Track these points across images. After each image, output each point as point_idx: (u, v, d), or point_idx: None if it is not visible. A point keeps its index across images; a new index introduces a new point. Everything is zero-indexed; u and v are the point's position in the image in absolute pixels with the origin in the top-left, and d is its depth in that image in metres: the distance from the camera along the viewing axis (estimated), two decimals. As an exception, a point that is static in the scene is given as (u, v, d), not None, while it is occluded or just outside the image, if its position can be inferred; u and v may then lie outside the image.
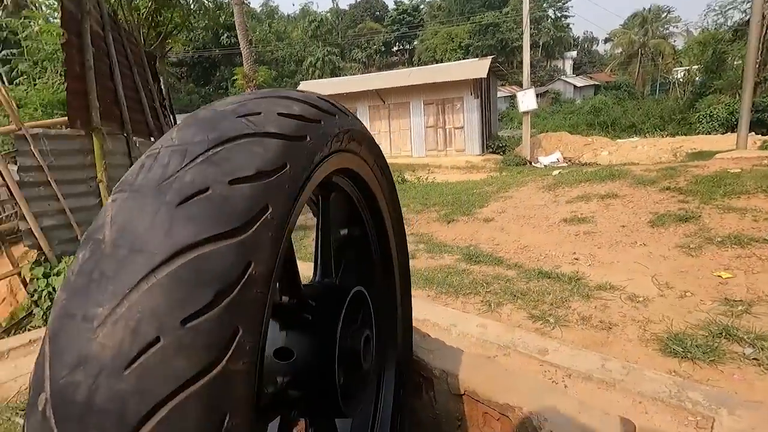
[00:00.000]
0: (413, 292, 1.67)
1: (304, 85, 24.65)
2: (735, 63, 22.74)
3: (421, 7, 54.14)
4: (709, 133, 19.20)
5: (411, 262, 1.75)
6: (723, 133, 18.56)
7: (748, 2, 19.50)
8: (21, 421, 2.01)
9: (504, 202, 6.85)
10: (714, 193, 5.37)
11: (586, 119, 26.12)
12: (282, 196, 0.64)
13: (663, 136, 19.99)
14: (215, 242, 0.54)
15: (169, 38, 13.80)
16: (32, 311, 4.46)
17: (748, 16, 15.92)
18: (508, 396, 1.37)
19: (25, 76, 11.50)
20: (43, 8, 12.80)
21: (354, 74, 34.59)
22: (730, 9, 26.15)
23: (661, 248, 4.24)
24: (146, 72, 7.09)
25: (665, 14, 40.51)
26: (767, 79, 19.71)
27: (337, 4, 58.64)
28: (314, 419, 1.06)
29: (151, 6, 11.46)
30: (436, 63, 31.80)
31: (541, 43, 44.95)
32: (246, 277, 0.55)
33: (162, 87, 8.03)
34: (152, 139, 6.51)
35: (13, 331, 4.40)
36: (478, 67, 18.40)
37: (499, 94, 27.18)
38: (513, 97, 25.90)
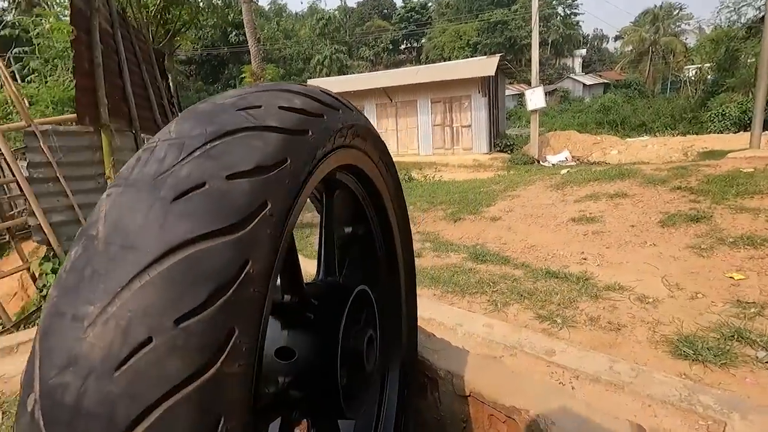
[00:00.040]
0: (419, 291, 1.65)
1: (312, 83, 24.63)
2: (748, 61, 22.39)
3: (429, 4, 53.96)
4: (721, 132, 18.93)
5: (417, 261, 1.73)
6: (735, 132, 18.29)
7: (763, -1, 19.20)
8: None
9: (511, 201, 6.79)
10: (726, 192, 5.28)
11: (595, 118, 25.86)
12: (282, 191, 0.62)
13: (674, 135, 19.74)
14: (211, 239, 0.52)
15: (178, 36, 13.90)
16: (41, 306, 4.51)
17: (762, 13, 15.66)
18: (515, 398, 1.35)
19: (37, 74, 11.61)
20: (55, 6, 12.91)
21: (361, 72, 34.52)
22: (743, 6, 25.84)
23: (672, 249, 4.17)
24: (154, 69, 7.13)
25: (677, 11, 39.96)
26: (781, 77, 19.37)
27: (345, 2, 58.86)
28: (316, 420, 1.04)
29: (159, 3, 11.55)
30: (444, 61, 31.67)
31: (550, 41, 44.60)
32: (243, 275, 0.53)
33: (170, 84, 8.07)
34: (160, 136, 6.54)
35: (22, 326, 4.46)
36: (486, 65, 18.28)
37: (507, 92, 26.97)
38: (521, 95, 25.75)
